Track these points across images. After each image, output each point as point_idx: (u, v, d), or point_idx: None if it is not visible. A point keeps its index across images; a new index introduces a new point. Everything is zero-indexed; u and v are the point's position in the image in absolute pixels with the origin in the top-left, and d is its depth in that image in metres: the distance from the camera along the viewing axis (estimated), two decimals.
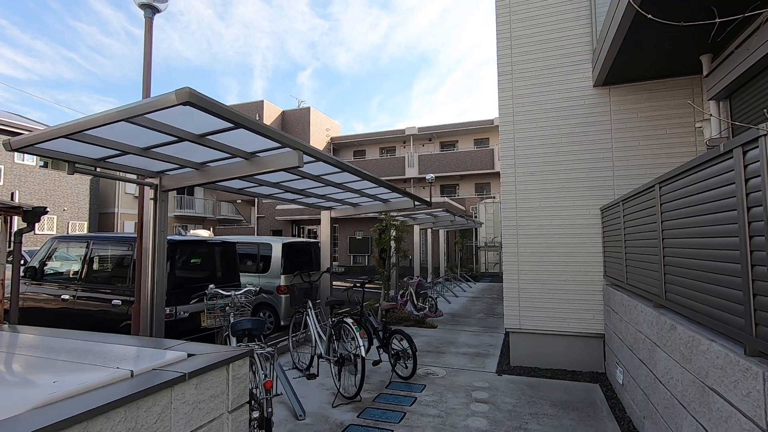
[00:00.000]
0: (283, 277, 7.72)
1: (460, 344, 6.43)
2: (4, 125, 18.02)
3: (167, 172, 3.88)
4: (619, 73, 4.76)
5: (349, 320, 4.11)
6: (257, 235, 24.01)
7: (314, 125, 27.47)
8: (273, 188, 4.99)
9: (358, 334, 3.92)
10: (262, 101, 26.28)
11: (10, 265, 3.27)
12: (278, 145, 3.19)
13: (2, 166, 18.33)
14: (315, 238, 21.69)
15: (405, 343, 4.74)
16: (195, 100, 2.27)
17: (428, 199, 7.09)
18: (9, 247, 3.32)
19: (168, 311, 4.88)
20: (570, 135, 5.25)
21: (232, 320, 3.49)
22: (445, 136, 27.81)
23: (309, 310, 4.87)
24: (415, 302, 8.94)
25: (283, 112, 27.94)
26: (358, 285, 5.54)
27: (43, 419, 1.17)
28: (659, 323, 2.83)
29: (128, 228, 24.35)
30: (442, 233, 15.49)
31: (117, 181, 23.27)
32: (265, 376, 2.86)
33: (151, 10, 4.68)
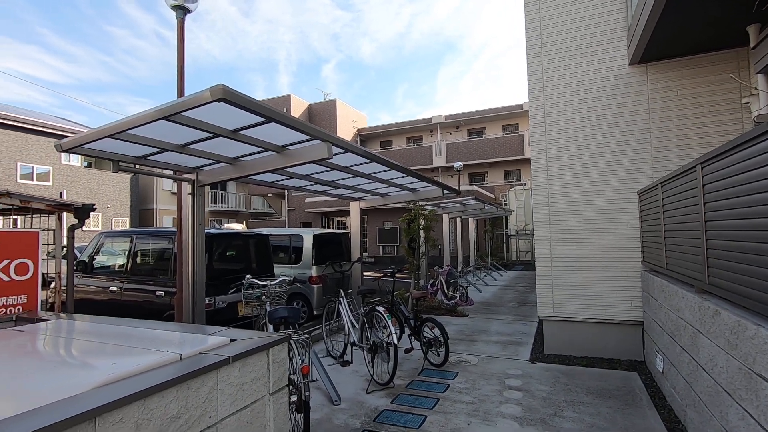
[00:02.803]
0: (314, 267, 7.87)
1: (492, 332, 6.40)
2: (51, 128, 19.10)
3: (203, 168, 4.03)
4: (657, 49, 4.53)
5: (381, 308, 4.17)
6: (288, 227, 24.53)
7: (341, 117, 27.61)
8: (303, 180, 5.08)
9: (389, 322, 3.98)
10: (289, 95, 26.62)
11: (65, 259, 3.51)
12: (308, 137, 3.25)
13: (51, 168, 19.46)
14: (344, 229, 21.93)
15: (436, 331, 4.76)
16: (228, 97, 2.34)
17: (457, 188, 7.01)
18: (63, 242, 3.56)
19: (207, 301, 5.10)
20: (605, 117, 5.06)
21: (268, 309, 3.62)
22: (472, 124, 27.35)
23: (341, 299, 4.96)
24: (446, 291, 8.94)
25: (309, 105, 28.21)
26: (388, 274, 5.59)
27: (104, 396, 1.27)
28: (702, 309, 2.73)
29: (166, 223, 25.40)
30: (471, 222, 15.34)
31: (155, 179, 24.24)
32: (302, 361, 2.96)
33: (182, 11, 4.83)
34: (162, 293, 5.63)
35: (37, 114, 21.55)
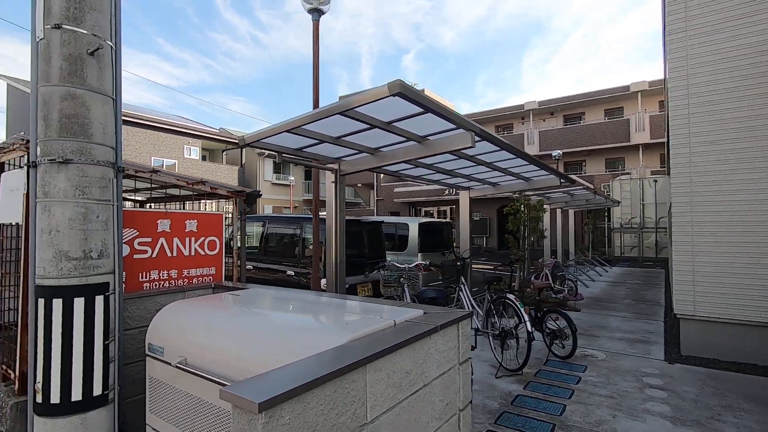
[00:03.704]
0: (420, 255, 8.09)
1: (612, 329, 6.07)
2: (175, 126, 21.76)
3: (344, 158, 4.38)
4: None
5: (512, 296, 4.21)
6: (376, 216, 25.30)
7: None
8: (426, 169, 5.25)
9: (522, 309, 4.01)
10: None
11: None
12: (453, 126, 3.37)
13: (176, 161, 22.20)
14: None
15: (561, 323, 4.68)
16: (404, 91, 2.54)
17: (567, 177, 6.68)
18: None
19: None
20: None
21: (405, 290, 3.85)
22: (569, 109, 25.61)
23: (462, 286, 5.08)
24: (552, 284, 8.64)
25: None
26: (500, 266, 5.58)
27: (370, 347, 1.51)
28: None
29: (267, 210, 27.62)
30: (571, 213, 14.51)
31: (258, 171, 26.40)
32: None
33: (317, 13, 5.22)
34: (292, 273, 6.23)
35: (163, 114, 24.69)
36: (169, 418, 2.08)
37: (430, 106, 2.83)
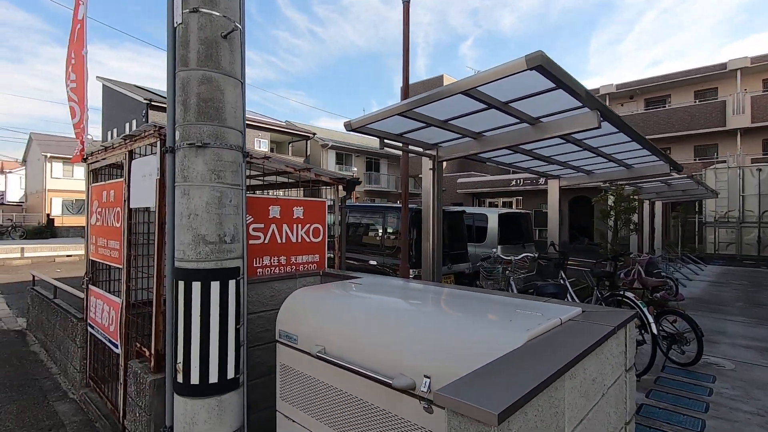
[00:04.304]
0: (499, 247, 7.73)
1: (733, 335, 5.38)
2: (256, 122, 22.83)
3: (442, 144, 4.18)
4: None
5: (631, 294, 3.81)
6: None
7: None
8: (525, 155, 4.92)
9: (646, 310, 3.60)
10: (442, 75, 26.55)
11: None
12: (577, 105, 3.05)
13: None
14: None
15: (680, 325, 4.18)
16: (545, 64, 2.28)
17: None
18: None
19: (412, 274, 5.38)
20: None
21: (512, 283, 3.60)
22: (651, 92, 23.44)
23: (563, 281, 4.71)
24: (665, 282, 7.89)
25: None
26: (600, 261, 5.12)
27: (558, 352, 1.31)
28: None
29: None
30: (659, 206, 13.27)
31: (321, 162, 27.01)
32: None
33: None
34: (374, 262, 6.18)
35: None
36: (303, 407, 2.03)
37: (565, 82, 2.54)
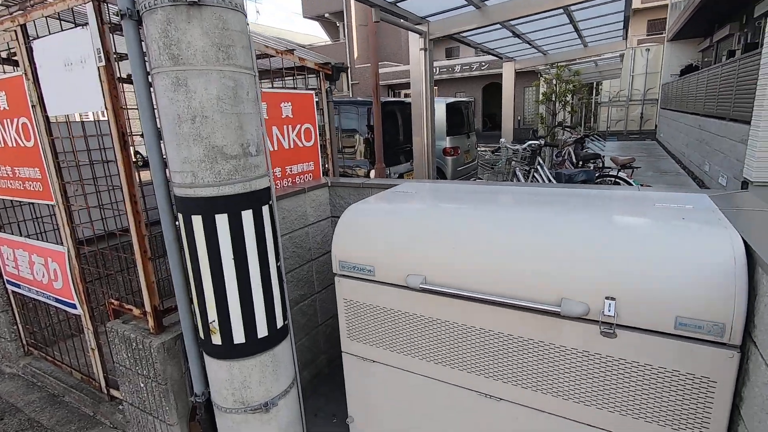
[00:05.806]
0: (448, 138, 7.51)
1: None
2: None
3: (431, 18, 3.48)
4: None
5: (624, 174, 3.88)
6: None
7: None
8: (505, 31, 4.41)
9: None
10: None
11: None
12: None
13: None
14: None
15: None
16: None
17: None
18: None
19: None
20: None
21: (518, 173, 3.42)
22: None
23: (539, 167, 4.69)
24: (574, 162, 8.51)
25: None
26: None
27: None
28: None
29: None
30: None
31: None
32: None
33: None
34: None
35: None
36: (389, 345, 1.70)
37: None
